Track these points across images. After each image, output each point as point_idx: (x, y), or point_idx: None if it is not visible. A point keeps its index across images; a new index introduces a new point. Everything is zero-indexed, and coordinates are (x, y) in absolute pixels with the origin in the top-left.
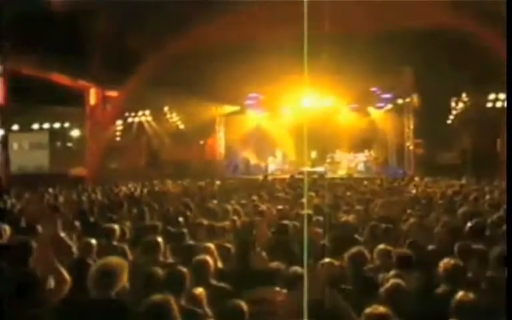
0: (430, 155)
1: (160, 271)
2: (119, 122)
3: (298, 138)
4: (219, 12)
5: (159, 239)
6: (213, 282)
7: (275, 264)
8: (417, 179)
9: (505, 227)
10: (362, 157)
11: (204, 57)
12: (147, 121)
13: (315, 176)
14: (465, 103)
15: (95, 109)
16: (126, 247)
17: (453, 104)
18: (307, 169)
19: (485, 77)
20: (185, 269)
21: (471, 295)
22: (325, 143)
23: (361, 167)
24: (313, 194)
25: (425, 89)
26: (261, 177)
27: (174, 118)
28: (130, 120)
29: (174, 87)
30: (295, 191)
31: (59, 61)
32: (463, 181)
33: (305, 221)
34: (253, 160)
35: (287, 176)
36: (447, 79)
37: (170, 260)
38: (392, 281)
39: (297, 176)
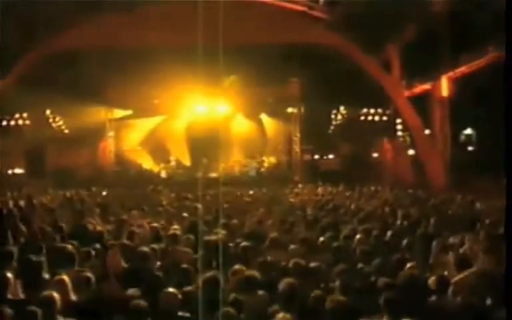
0: (314, 161)
1: None
2: None
3: (192, 144)
4: (110, 12)
5: (8, 274)
6: (60, 318)
7: (131, 291)
8: (300, 185)
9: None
10: (254, 162)
11: (92, 58)
12: (25, 125)
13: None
14: (342, 115)
15: None
16: None
17: (333, 115)
18: (199, 175)
19: (359, 93)
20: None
21: (288, 317)
22: (219, 149)
23: (252, 172)
24: (199, 206)
25: (310, 99)
26: (151, 186)
27: (58, 122)
28: (4, 123)
29: (57, 89)
30: (180, 202)
31: None
32: (340, 188)
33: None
34: (146, 165)
35: (181, 180)
36: (329, 92)
37: (21, 296)
38: (224, 308)
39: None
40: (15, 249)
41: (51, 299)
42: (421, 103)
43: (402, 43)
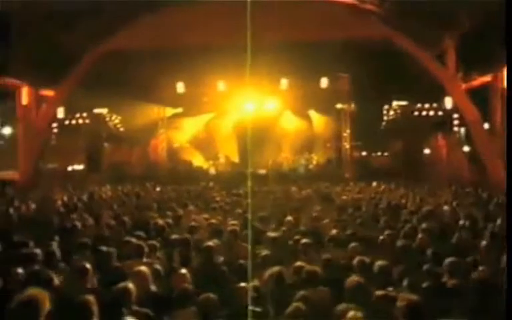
0: (365, 159)
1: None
2: (55, 124)
3: (241, 140)
4: (161, 13)
5: (87, 265)
6: (135, 308)
7: (187, 285)
8: (351, 183)
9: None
10: (302, 159)
11: (145, 58)
12: (85, 123)
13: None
14: (395, 110)
15: (27, 108)
16: (51, 272)
17: (385, 111)
18: (248, 171)
19: (413, 87)
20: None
21: (359, 314)
22: (268, 146)
23: (301, 169)
24: (250, 202)
25: (361, 95)
26: (203, 182)
27: (114, 120)
28: (67, 122)
29: (113, 89)
30: (232, 198)
31: None
32: (392, 186)
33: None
34: (196, 162)
35: (230, 176)
36: (380, 87)
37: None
38: (294, 304)
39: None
40: (89, 241)
41: (127, 290)
42: (479, 96)
43: (459, 33)
